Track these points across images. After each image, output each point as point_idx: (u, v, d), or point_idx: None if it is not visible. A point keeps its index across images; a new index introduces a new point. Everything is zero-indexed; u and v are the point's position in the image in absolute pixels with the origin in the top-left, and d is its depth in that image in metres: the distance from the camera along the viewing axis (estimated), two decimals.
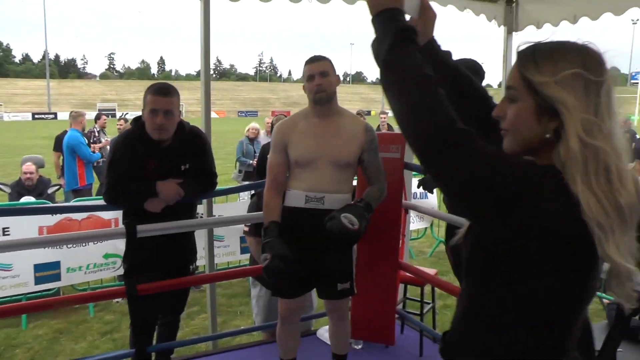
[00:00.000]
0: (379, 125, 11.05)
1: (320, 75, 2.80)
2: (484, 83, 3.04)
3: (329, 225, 2.57)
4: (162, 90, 3.00)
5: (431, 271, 3.83)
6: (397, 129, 7.38)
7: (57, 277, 5.42)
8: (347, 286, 2.90)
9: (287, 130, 2.90)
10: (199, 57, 3.91)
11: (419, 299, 3.93)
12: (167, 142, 3.07)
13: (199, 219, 3.75)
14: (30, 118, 61.36)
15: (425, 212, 4.32)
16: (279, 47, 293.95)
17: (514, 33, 5.39)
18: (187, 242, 3.39)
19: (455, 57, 1.68)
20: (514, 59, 1.28)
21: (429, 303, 4.07)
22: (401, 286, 4.00)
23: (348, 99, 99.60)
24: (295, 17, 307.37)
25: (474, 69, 3.01)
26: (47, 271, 5.35)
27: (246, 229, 3.93)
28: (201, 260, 4.04)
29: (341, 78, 2.97)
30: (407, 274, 3.78)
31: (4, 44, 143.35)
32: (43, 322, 5.30)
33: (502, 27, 5.40)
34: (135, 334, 3.24)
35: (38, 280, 5.31)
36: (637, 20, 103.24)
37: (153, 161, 3.04)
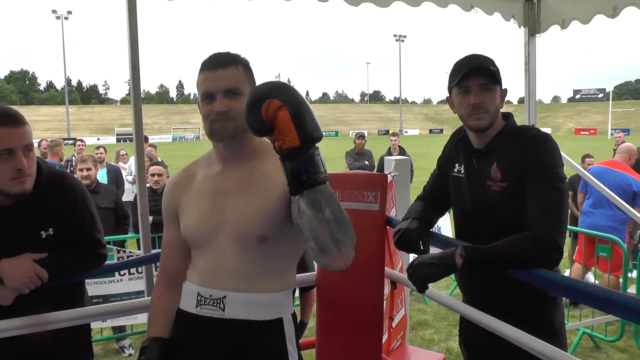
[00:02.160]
0: (389, 148, 10.14)
1: (225, 95, 1.69)
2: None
3: None
4: (10, 119, 1.96)
5: (435, 358, 2.80)
6: (409, 154, 6.50)
7: None
8: None
9: (179, 186, 1.88)
10: (129, 78, 3.15)
11: None
12: (9, 201, 2.02)
13: (84, 309, 2.35)
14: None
15: (429, 295, 2.51)
16: (296, 67, 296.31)
17: (536, 35, 4.56)
18: (73, 334, 2.25)
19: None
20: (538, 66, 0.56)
21: None
22: None
23: (366, 118, 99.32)
24: (310, 37, 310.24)
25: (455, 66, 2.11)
26: None
27: None
28: None
29: (357, 97, 1.91)
30: None
31: (30, 73, 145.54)
32: None
33: (522, 28, 4.54)
34: None
35: None
36: None
37: None
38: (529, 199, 1.91)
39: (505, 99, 2.16)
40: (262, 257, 1.72)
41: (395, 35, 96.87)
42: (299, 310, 4.21)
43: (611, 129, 64.75)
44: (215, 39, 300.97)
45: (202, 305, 1.72)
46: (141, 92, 3.22)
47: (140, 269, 4.91)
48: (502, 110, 2.14)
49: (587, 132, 73.57)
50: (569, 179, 7.64)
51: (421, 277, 1.96)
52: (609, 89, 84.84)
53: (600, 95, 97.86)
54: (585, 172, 5.36)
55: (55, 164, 7.28)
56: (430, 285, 2.05)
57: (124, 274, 5.03)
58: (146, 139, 8.36)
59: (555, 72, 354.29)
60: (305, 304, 4.21)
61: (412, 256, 5.70)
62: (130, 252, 5.08)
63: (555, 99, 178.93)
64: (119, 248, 5.06)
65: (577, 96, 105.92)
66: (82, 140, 9.54)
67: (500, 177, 2.01)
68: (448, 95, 2.19)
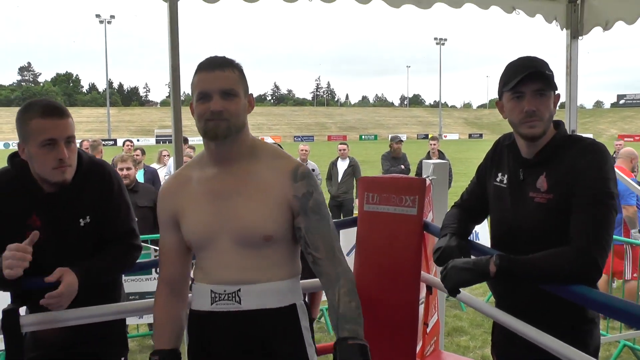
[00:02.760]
0: (428, 152, 10.04)
1: (221, 95, 1.74)
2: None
3: None
4: (55, 110, 2.03)
5: None
6: (447, 158, 6.39)
7: None
8: None
9: (174, 191, 1.90)
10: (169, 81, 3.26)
11: None
12: (53, 188, 2.08)
13: (121, 304, 2.42)
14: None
15: (460, 299, 2.49)
16: (336, 71, 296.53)
17: (579, 38, 4.46)
18: (109, 330, 2.30)
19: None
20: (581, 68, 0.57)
21: None
22: None
23: (405, 122, 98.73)
24: (351, 40, 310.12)
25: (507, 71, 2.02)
26: None
27: None
28: None
29: (396, 100, 1.90)
30: None
31: (74, 75, 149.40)
32: None
33: (564, 30, 4.45)
34: None
35: None
36: None
37: (37, 216, 2.08)
38: (574, 213, 1.83)
39: None
40: (268, 252, 1.80)
41: (435, 39, 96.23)
42: None
43: None
44: (252, 41, 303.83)
45: (217, 301, 1.78)
46: (181, 94, 3.28)
47: None
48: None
49: (631, 139, 71.49)
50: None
51: (454, 281, 1.94)
52: None
53: None
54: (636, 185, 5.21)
55: None
56: (466, 290, 2.02)
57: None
58: (186, 140, 8.49)
59: (598, 75, 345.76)
60: (312, 301, 4.21)
61: None
62: (155, 248, 5.15)
63: (598, 104, 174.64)
64: (156, 247, 5.13)
65: (622, 101, 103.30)
66: (130, 141, 9.81)
67: (547, 189, 1.93)
68: (498, 99, 2.10)
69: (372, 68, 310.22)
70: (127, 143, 9.49)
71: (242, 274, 1.77)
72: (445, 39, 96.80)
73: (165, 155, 8.62)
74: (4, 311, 2.00)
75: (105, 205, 2.17)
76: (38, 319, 2.06)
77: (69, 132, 2.04)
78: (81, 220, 2.12)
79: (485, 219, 2.42)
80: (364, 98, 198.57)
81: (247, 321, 1.75)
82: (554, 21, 4.34)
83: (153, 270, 5.03)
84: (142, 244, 2.36)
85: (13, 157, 2.14)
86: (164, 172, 7.88)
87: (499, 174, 2.13)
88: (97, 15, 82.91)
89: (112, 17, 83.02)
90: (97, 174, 2.19)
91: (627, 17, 3.99)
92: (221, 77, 1.75)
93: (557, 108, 2.00)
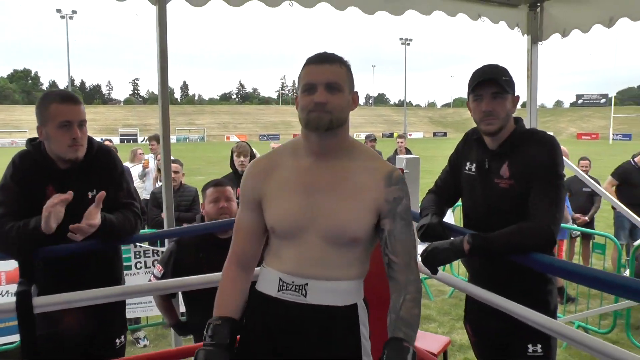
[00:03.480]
0: (396, 150, 10.32)
1: (326, 88, 1.76)
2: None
3: None
4: (71, 98, 2.40)
5: (441, 341, 3.02)
6: (415, 154, 6.62)
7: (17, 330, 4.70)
8: None
9: (262, 175, 1.90)
10: (157, 81, 3.43)
11: None
12: (66, 165, 2.42)
13: (129, 286, 2.77)
14: None
15: (440, 279, 2.79)
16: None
17: (539, 43, 4.77)
18: (112, 309, 2.59)
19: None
20: (542, 70, 0.74)
21: None
22: None
23: (371, 121, 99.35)
24: (316, 40, 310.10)
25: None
26: (7, 322, 4.66)
27: (154, 279, 3.05)
28: None
29: (362, 100, 1.92)
30: None
31: (32, 72, 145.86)
32: None
33: (525, 35, 4.75)
34: None
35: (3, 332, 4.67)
36: None
37: (53, 186, 2.38)
38: (532, 194, 2.15)
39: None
40: (349, 252, 1.83)
41: (401, 39, 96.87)
42: None
43: (613, 134, 64.84)
44: (216, 40, 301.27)
45: (284, 290, 1.81)
46: (145, 93, 3.46)
47: (156, 263, 5.15)
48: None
49: (588, 137, 73.61)
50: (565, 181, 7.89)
51: (434, 260, 2.20)
52: (612, 94, 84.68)
53: (603, 101, 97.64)
54: (583, 173, 5.56)
55: None
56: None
57: (140, 267, 5.23)
58: (158, 139, 8.58)
59: (558, 77, 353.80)
60: None
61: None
62: (146, 247, 5.31)
63: (558, 103, 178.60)
64: (135, 243, 5.28)
65: (580, 101, 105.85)
66: (110, 141, 9.67)
67: (509, 175, 2.25)
68: (467, 100, 2.43)
69: None
70: (107, 142, 9.44)
71: (314, 269, 1.79)
72: (411, 40, 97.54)
73: (140, 154, 8.67)
74: (18, 293, 2.17)
75: (110, 182, 2.48)
76: (49, 301, 2.24)
77: (82, 116, 2.39)
78: (89, 193, 2.41)
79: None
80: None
81: (309, 314, 1.78)
82: (516, 27, 4.64)
83: (133, 266, 5.18)
84: None
85: (31, 141, 2.48)
86: (138, 171, 7.94)
87: (468, 163, 2.44)
88: (58, 10, 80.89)
89: (74, 12, 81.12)
90: (104, 156, 2.54)
91: (582, 26, 4.30)
92: (328, 70, 1.77)
93: (520, 107, 2.32)
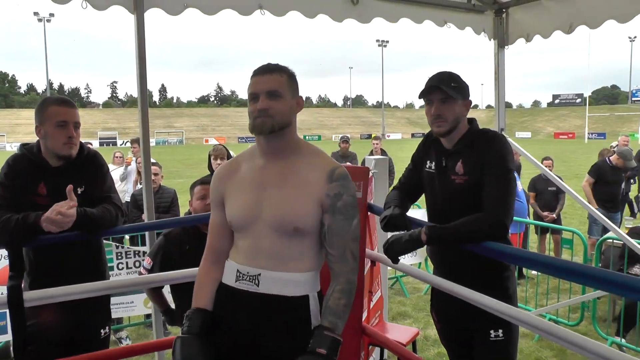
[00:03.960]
0: (372, 151, 10.50)
1: (267, 95, 1.97)
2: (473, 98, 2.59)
3: None
4: (68, 101, 2.75)
5: (410, 332, 3.19)
6: (391, 157, 6.83)
7: (4, 330, 4.89)
8: None
9: (226, 177, 2.13)
10: (136, 86, 3.55)
11: None
12: (59, 162, 2.69)
13: (115, 281, 2.95)
14: None
15: (401, 269, 3.09)
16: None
17: (505, 47, 4.96)
18: (97, 302, 2.76)
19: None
20: (519, 71, 0.88)
21: None
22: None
23: (349, 122, 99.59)
24: (294, 44, 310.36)
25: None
26: None
27: (144, 271, 3.25)
28: None
29: (339, 101, 2.13)
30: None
31: (9, 75, 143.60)
32: None
33: (492, 40, 4.94)
34: None
35: None
36: (635, 37, 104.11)
37: (45, 184, 2.65)
38: (484, 187, 2.35)
39: (474, 104, 2.57)
40: (295, 243, 1.99)
41: (377, 41, 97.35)
42: None
43: (588, 133, 65.80)
44: (195, 43, 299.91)
45: (240, 280, 2.00)
46: (124, 96, 3.61)
47: (137, 264, 5.28)
48: (478, 115, 2.58)
49: (565, 136, 74.66)
50: (531, 180, 8.17)
51: (394, 250, 2.39)
52: (587, 94, 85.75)
53: (579, 100, 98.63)
54: (550, 172, 5.79)
55: None
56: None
57: (122, 268, 5.34)
58: (137, 141, 8.70)
59: (536, 76, 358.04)
60: None
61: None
62: (128, 247, 5.43)
63: (536, 103, 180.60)
64: (117, 244, 5.40)
65: (557, 101, 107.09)
66: (90, 144, 9.63)
67: (463, 172, 2.45)
68: None
69: (315, 69, 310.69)
70: (88, 146, 9.39)
71: (266, 260, 1.97)
72: (387, 41, 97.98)
73: (118, 157, 8.76)
74: (9, 287, 2.33)
75: (95, 179, 2.75)
76: (38, 295, 2.42)
77: (76, 118, 2.70)
78: (78, 189, 2.62)
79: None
80: (307, 99, 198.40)
81: (262, 302, 1.95)
82: (483, 32, 4.83)
83: (115, 267, 5.28)
84: None
85: (24, 145, 2.79)
86: (119, 173, 8.04)
87: (428, 162, 2.64)
88: (36, 13, 79.83)
89: (52, 15, 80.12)
90: (92, 157, 2.81)
91: (542, 32, 4.50)
92: (269, 80, 1.98)
93: (488, 107, 2.53)
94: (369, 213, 3.03)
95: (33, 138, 2.82)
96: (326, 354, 1.83)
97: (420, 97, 2.52)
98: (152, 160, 7.03)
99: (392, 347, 2.83)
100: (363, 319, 3.07)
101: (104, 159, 2.91)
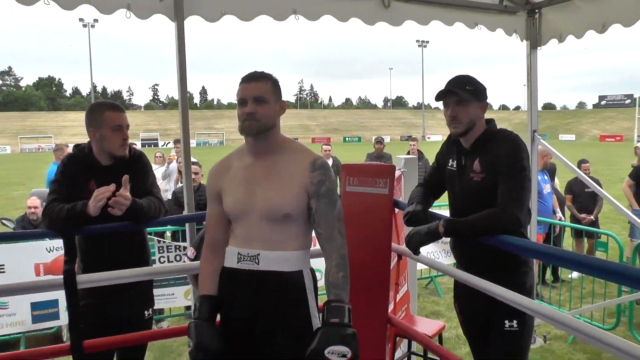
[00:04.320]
0: (408, 152, 10.56)
1: (254, 101, 2.21)
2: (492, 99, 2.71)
3: None
4: (120, 107, 3.01)
5: (436, 325, 3.28)
6: (428, 158, 6.91)
7: (56, 316, 5.30)
8: None
9: (220, 174, 2.40)
10: (177, 89, 3.76)
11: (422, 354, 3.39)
12: (109, 162, 2.95)
13: (159, 266, 3.20)
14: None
15: (423, 261, 3.38)
16: (319, 74, 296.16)
17: (537, 48, 4.98)
18: (142, 285, 3.07)
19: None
20: (549, 76, 0.97)
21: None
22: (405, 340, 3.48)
23: (388, 124, 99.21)
24: (334, 44, 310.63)
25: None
26: (45, 309, 5.24)
27: (188, 261, 3.47)
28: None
29: (379, 103, 2.35)
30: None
31: (56, 79, 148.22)
32: None
33: (524, 42, 4.96)
34: None
35: (36, 319, 5.23)
36: None
37: (95, 181, 2.87)
38: (499, 184, 2.46)
39: (500, 104, 2.68)
40: (286, 227, 2.25)
41: (417, 41, 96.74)
42: None
43: (638, 136, 63.81)
44: (234, 44, 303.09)
45: (241, 261, 2.25)
46: (165, 98, 3.82)
47: (178, 257, 5.55)
48: (520, 116, 2.69)
49: (612, 139, 72.55)
50: (567, 182, 8.09)
51: (414, 243, 2.57)
52: (638, 94, 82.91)
53: (628, 102, 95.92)
54: (584, 175, 5.78)
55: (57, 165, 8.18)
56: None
57: (164, 261, 5.60)
58: (178, 141, 9.04)
59: (581, 76, 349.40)
60: None
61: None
62: (169, 242, 5.70)
63: (581, 105, 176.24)
64: (159, 239, 5.67)
65: (603, 102, 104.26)
66: (134, 144, 9.99)
67: (480, 170, 2.58)
68: None
69: (355, 70, 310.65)
70: (133, 146, 9.69)
71: (263, 242, 2.23)
72: (427, 41, 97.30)
73: (159, 157, 9.12)
74: (64, 271, 2.61)
75: (141, 176, 2.97)
76: (89, 278, 2.73)
77: (127, 122, 2.97)
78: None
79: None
80: (347, 100, 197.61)
81: (262, 278, 2.21)
82: (514, 34, 4.87)
83: (157, 260, 5.54)
84: None
85: (76, 146, 3.07)
86: (160, 172, 8.37)
87: (450, 161, 2.78)
88: (81, 19, 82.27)
89: (96, 20, 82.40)
90: (138, 157, 3.07)
91: (575, 32, 4.52)
92: (255, 87, 2.23)
93: (542, 109, 2.64)
94: (395, 209, 3.16)
95: (79, 139, 3.05)
96: (339, 322, 2.05)
97: (436, 100, 2.66)
98: (193, 160, 7.32)
99: (418, 338, 2.95)
100: (389, 311, 3.20)
101: (148, 158, 3.16)
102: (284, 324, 2.21)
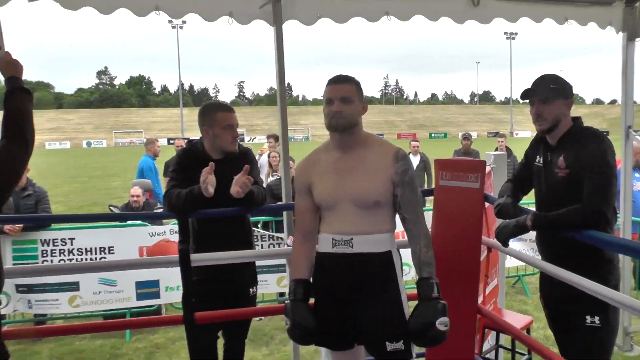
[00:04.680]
0: (496, 148, 10.44)
1: (340, 101, 2.47)
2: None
3: (430, 336, 2.30)
4: (230, 107, 3.33)
5: (524, 319, 3.34)
6: (516, 155, 6.88)
7: (157, 295, 5.85)
8: (400, 347, 2.41)
9: (308, 168, 2.65)
10: (275, 83, 3.99)
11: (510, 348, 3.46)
12: (219, 156, 3.24)
13: (260, 250, 3.50)
14: (166, 143, 66.02)
15: (511, 253, 3.46)
16: (404, 69, 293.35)
17: (636, 40, 4.80)
18: (248, 265, 3.40)
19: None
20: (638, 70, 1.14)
21: (523, 354, 3.58)
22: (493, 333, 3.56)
23: (475, 120, 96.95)
24: (419, 39, 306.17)
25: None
26: (147, 288, 5.81)
27: (288, 246, 3.78)
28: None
29: (466, 98, 2.57)
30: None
31: (146, 78, 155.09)
32: (144, 335, 5.74)
33: (620, 33, 4.77)
34: None
35: (140, 297, 5.81)
36: None
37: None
38: (584, 181, 2.53)
39: (594, 98, 2.74)
40: (375, 213, 2.48)
41: (505, 33, 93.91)
42: None
43: None
44: (321, 40, 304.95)
45: (337, 245, 2.49)
46: (250, 95, 4.07)
47: (271, 247, 5.99)
48: (617, 110, 2.73)
49: None
50: None
51: (503, 235, 2.72)
52: None
53: None
54: None
55: (150, 157, 9.14)
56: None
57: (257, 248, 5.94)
58: (277, 138, 9.49)
59: None
60: None
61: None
62: (263, 232, 6.14)
63: None
64: (253, 228, 6.05)
65: None
66: (180, 139, 10.35)
67: (565, 166, 2.65)
68: None
69: (441, 65, 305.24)
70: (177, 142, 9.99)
71: (354, 227, 2.47)
72: (516, 33, 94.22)
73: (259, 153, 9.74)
74: (180, 250, 2.96)
75: (254, 171, 3.19)
76: (202, 257, 3.09)
77: (237, 121, 3.28)
78: (234, 176, 3.02)
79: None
80: (433, 95, 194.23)
81: (356, 260, 2.45)
82: (609, 26, 4.70)
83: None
84: None
85: (189, 141, 3.46)
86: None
87: (537, 157, 2.87)
88: (170, 21, 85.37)
89: (184, 22, 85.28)
90: (245, 151, 3.37)
91: None
92: (341, 88, 2.50)
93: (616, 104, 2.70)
94: (486, 204, 3.27)
95: (167, 134, 3.44)
96: (437, 296, 2.33)
97: (521, 98, 2.77)
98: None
99: (507, 328, 3.05)
100: (480, 301, 3.31)
101: (252, 154, 3.46)
102: (376, 300, 2.44)
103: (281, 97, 3.92)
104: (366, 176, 2.48)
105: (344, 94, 2.48)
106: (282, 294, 6.46)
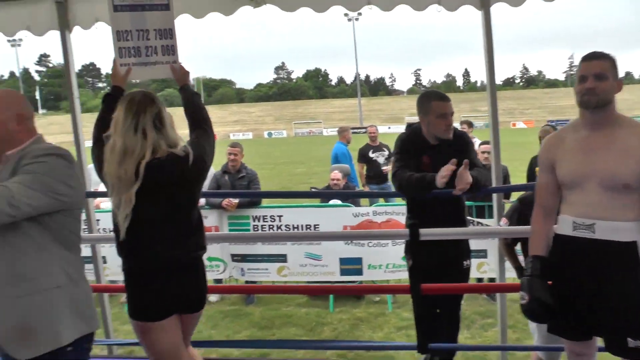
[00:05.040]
0: None
1: (594, 77, 2.36)
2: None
3: None
4: (445, 97, 3.41)
5: None
6: None
7: (360, 272, 6.15)
8: None
9: (553, 146, 2.58)
10: (484, 68, 4.05)
11: None
12: (436, 142, 3.39)
13: (480, 227, 3.83)
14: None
15: None
16: (591, 47, 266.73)
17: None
18: (460, 241, 3.56)
19: None
20: None
21: None
22: None
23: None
24: (610, 14, 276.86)
25: None
26: (350, 265, 6.12)
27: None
28: None
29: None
30: None
31: (322, 71, 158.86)
32: (347, 309, 6.04)
33: None
34: (420, 329, 3.43)
35: (343, 272, 6.15)
36: None
37: (427, 156, 3.37)
38: None
39: None
40: (623, 197, 2.34)
41: None
42: None
43: None
44: (497, 25, 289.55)
45: (577, 229, 2.41)
46: (427, 82, 4.15)
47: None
48: None
49: None
50: None
51: None
52: None
53: None
54: None
55: (343, 144, 9.45)
56: None
57: None
58: (470, 124, 9.64)
59: None
60: None
61: None
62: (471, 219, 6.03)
63: None
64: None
65: None
66: (373, 126, 10.10)
67: None
68: None
69: (625, 41, 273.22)
70: (370, 129, 9.83)
71: (598, 211, 2.36)
72: None
73: None
74: (410, 225, 3.30)
75: (465, 152, 3.32)
76: (430, 232, 3.27)
77: (452, 110, 3.38)
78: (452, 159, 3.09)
79: None
80: (628, 74, 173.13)
81: (597, 247, 2.35)
82: None
83: None
84: None
85: (409, 126, 3.67)
86: None
87: None
88: (346, 14, 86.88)
89: (360, 14, 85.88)
90: (460, 136, 3.50)
91: None
92: (596, 64, 2.39)
93: None
94: None
95: (346, 123, 3.64)
96: None
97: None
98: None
99: None
100: None
101: (469, 136, 3.59)
102: (618, 293, 2.32)
103: (491, 83, 3.99)
104: (617, 156, 2.34)
105: (598, 70, 2.38)
106: None
